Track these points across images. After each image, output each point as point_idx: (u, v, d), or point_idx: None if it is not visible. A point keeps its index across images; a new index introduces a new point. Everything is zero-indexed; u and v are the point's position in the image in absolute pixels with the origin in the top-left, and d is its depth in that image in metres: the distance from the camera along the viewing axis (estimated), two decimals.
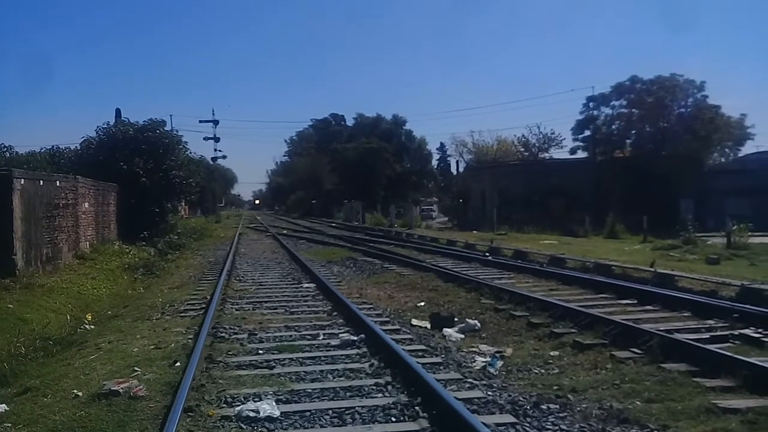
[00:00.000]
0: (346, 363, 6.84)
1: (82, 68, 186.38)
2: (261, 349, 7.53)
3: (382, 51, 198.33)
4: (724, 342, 7.27)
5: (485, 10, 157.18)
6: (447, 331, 8.54)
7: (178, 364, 6.77)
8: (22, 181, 13.87)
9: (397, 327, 8.85)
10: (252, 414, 5.08)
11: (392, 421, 5.04)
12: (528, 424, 4.96)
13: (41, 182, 15.35)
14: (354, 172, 64.20)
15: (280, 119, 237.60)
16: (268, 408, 5.16)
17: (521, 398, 5.61)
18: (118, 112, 34.99)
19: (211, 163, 69.06)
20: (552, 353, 7.28)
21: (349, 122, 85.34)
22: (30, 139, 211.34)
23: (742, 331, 7.62)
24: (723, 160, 49.39)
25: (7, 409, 5.74)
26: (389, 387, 5.87)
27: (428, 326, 8.99)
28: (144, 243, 24.08)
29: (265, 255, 21.89)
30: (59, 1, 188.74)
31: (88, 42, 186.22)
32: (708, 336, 7.53)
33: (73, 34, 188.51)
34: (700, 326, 8.19)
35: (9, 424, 5.25)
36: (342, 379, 6.23)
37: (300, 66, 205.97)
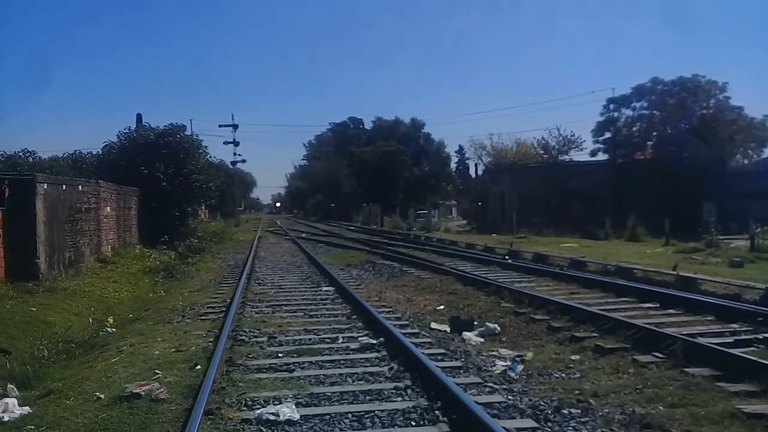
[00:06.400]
0: (366, 366, 6.83)
1: (105, 75, 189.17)
2: (281, 353, 7.55)
3: (402, 54, 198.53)
4: (748, 346, 7.16)
5: (504, 13, 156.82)
6: (466, 334, 8.51)
7: (198, 367, 6.82)
8: (45, 186, 14.07)
9: (416, 330, 8.82)
10: (272, 417, 5.09)
11: (412, 426, 5.03)
12: (549, 429, 4.92)
13: (64, 187, 15.55)
14: (372, 176, 64.07)
15: (299, 123, 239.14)
16: (288, 411, 5.17)
17: (542, 403, 5.56)
18: (139, 117, 35.27)
19: (231, 167, 69.42)
20: (573, 357, 7.22)
21: (368, 126, 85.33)
22: (53, 145, 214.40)
23: (766, 335, 7.50)
24: (746, 161, 48.58)
25: (30, 411, 5.80)
26: (409, 391, 5.86)
27: (448, 330, 8.96)
28: (165, 247, 24.32)
29: (284, 258, 21.99)
30: (81, 8, 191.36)
31: (110, 49, 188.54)
32: (732, 340, 7.43)
33: (95, 41, 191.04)
34: (723, 330, 8.08)
35: (32, 427, 5.31)
36: (362, 382, 6.23)
37: (319, 70, 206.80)
